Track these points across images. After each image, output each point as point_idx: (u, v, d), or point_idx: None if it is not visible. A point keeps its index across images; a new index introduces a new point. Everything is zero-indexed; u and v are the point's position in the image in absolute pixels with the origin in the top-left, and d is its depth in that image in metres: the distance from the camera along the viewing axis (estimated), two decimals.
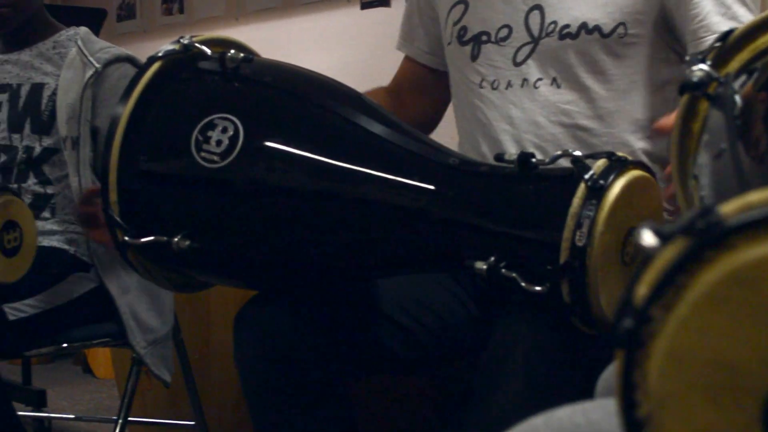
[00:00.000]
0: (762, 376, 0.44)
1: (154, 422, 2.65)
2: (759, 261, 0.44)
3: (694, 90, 0.82)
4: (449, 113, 1.79)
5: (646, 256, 0.46)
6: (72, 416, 3.45)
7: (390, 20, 3.63)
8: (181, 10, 4.85)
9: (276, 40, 1.58)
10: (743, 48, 0.85)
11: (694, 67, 0.82)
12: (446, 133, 1.68)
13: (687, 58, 0.81)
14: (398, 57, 1.85)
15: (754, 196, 0.45)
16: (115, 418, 2.17)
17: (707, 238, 0.45)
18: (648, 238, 0.47)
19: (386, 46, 1.90)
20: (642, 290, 0.46)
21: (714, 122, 0.74)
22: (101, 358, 4.35)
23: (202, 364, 2.48)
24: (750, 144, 0.66)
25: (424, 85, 1.80)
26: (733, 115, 0.68)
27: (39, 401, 3.26)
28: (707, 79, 0.80)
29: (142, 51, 2.18)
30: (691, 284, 0.45)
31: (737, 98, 0.70)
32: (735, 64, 0.85)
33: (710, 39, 1.42)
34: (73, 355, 4.49)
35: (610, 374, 0.90)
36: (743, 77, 0.78)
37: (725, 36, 0.87)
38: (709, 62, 0.83)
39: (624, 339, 0.46)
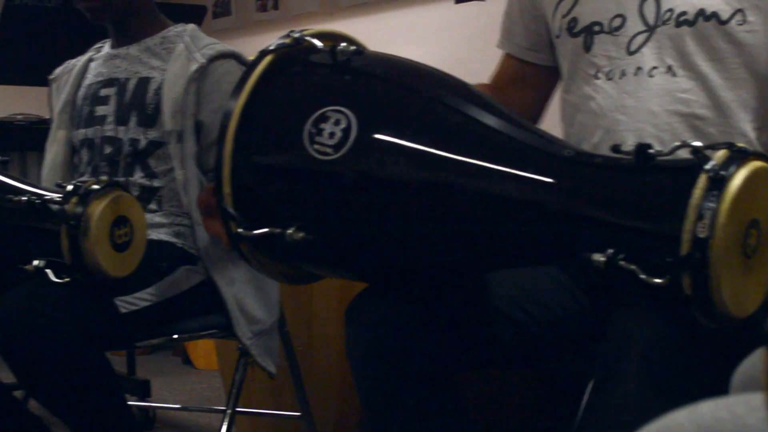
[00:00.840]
0: None
1: (260, 413, 2.68)
2: None
3: None
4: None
5: None
6: (177, 406, 3.50)
7: (484, 14, 3.63)
8: (275, 7, 4.88)
9: (370, 36, 1.59)
10: None
11: None
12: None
13: None
14: (493, 51, 1.84)
15: None
16: (219, 408, 2.20)
17: None
18: None
19: (481, 41, 1.90)
20: None
21: None
22: (200, 349, 4.42)
23: (305, 355, 2.50)
24: None
25: (526, 81, 1.79)
26: None
27: (143, 391, 3.32)
28: None
29: (237, 47, 2.21)
30: None
31: None
32: None
33: None
34: (172, 346, 4.56)
35: (747, 368, 0.89)
36: None
37: None
38: None
39: None
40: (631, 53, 1.56)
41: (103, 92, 2.22)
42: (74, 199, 1.74)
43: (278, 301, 2.22)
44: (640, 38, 1.55)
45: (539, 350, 1.56)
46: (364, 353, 1.43)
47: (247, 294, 2.11)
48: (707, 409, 0.67)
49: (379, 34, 4.00)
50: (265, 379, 2.32)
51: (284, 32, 1.45)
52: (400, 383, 1.41)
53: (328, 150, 1.31)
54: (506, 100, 1.73)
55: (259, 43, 1.46)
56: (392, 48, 1.48)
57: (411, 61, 1.43)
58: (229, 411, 2.14)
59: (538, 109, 1.81)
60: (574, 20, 1.63)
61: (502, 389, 2.23)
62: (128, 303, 1.92)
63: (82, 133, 2.22)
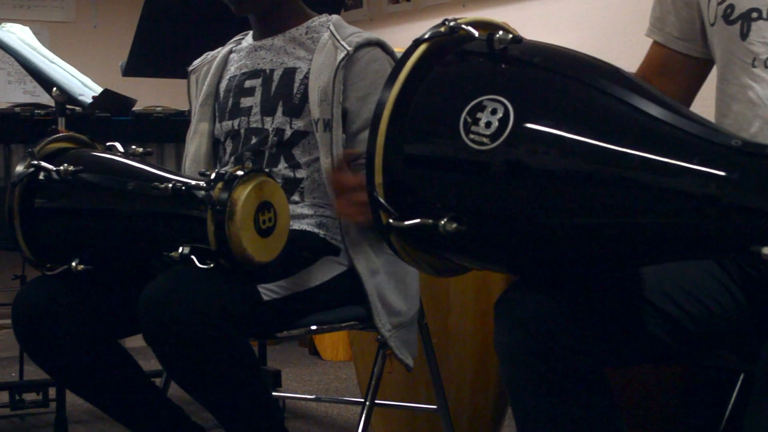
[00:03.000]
0: None
1: (399, 405, 2.68)
2: None
3: None
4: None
5: None
6: (311, 397, 3.52)
7: (620, 3, 3.56)
8: None
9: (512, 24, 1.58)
10: None
11: None
12: None
13: None
14: (630, 40, 1.81)
15: None
16: (356, 400, 2.19)
17: None
18: None
19: (617, 30, 1.85)
20: None
21: None
22: (327, 340, 4.45)
23: (440, 348, 2.49)
24: None
25: (675, 71, 1.76)
26: None
27: (275, 381, 3.35)
28: None
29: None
30: None
31: None
32: None
33: None
34: (299, 337, 4.59)
35: None
36: None
37: None
38: None
39: None
40: None
41: (248, 83, 2.23)
42: (220, 185, 1.76)
43: (418, 293, 2.21)
44: None
45: (692, 346, 1.53)
46: (513, 347, 1.41)
47: (388, 285, 2.10)
48: None
49: (513, 25, 3.96)
50: (400, 372, 2.32)
51: (415, 25, 1.43)
52: (548, 378, 1.39)
53: (485, 140, 1.29)
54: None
55: (390, 35, 1.45)
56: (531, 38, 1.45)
57: (569, 49, 1.41)
58: (367, 403, 2.13)
59: (686, 100, 1.77)
60: (731, 7, 1.58)
61: (649, 384, 2.19)
62: (271, 291, 1.92)
63: (227, 125, 2.24)
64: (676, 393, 2.27)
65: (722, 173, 1.19)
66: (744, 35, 1.56)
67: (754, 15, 1.55)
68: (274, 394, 3.24)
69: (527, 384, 1.42)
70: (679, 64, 1.75)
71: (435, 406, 2.42)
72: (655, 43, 1.78)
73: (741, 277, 1.51)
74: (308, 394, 3.64)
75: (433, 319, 2.47)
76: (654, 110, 1.27)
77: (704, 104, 1.70)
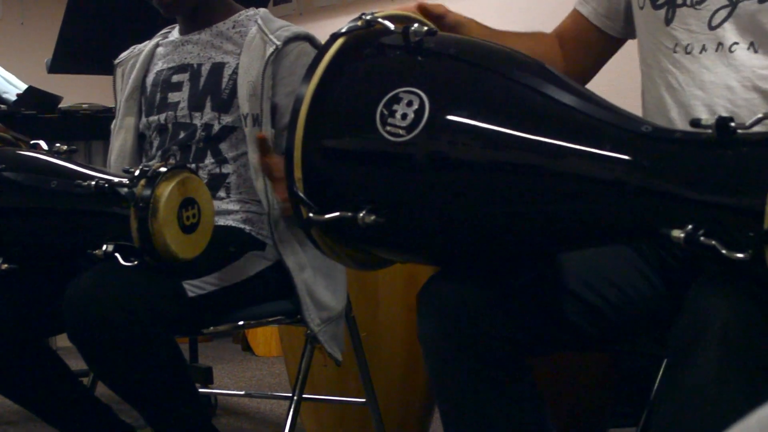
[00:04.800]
0: None
1: (326, 399, 2.68)
2: None
3: None
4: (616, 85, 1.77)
5: None
6: (241, 393, 3.52)
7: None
8: None
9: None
10: None
11: None
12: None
13: None
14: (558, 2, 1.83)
15: None
16: (284, 395, 2.19)
17: None
18: None
19: (551, 16, 1.88)
20: None
21: None
22: (260, 336, 4.44)
23: (370, 342, 2.49)
24: None
25: (589, 44, 1.79)
26: None
27: (206, 378, 3.34)
28: None
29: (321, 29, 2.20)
30: None
31: None
32: None
33: None
34: (233, 333, 4.58)
35: None
36: None
37: None
38: None
39: None
40: (712, 28, 1.54)
41: (176, 78, 2.22)
42: (143, 182, 1.75)
43: (346, 287, 2.22)
44: (723, 13, 1.53)
45: (612, 333, 1.55)
46: (436, 337, 1.43)
47: (316, 280, 2.11)
48: None
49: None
50: (329, 366, 2.32)
51: (345, 19, 1.44)
52: (472, 367, 1.41)
53: (401, 131, 1.30)
54: (564, 53, 1.76)
55: (320, 29, 1.46)
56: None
57: (483, 40, 1.42)
58: (294, 398, 2.14)
59: (591, 72, 1.81)
60: None
61: (576, 372, 2.21)
62: (196, 287, 1.92)
63: (153, 119, 2.23)
64: (604, 381, 2.30)
65: (629, 158, 1.21)
66: (668, 21, 1.59)
67: (679, 2, 1.58)
68: (204, 390, 3.24)
69: (450, 373, 1.43)
70: (595, 39, 1.78)
71: (364, 400, 2.43)
72: (577, 12, 1.80)
73: (659, 263, 1.53)
74: (239, 390, 3.63)
75: (362, 312, 2.48)
76: (567, 99, 1.29)
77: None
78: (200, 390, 3.20)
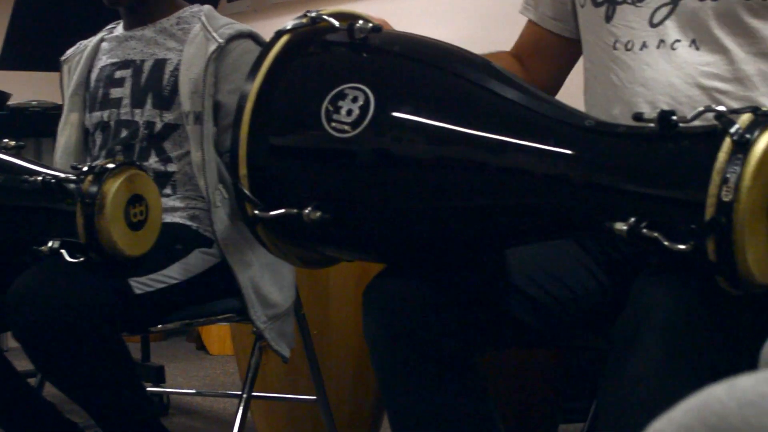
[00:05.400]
0: None
1: (275, 397, 2.67)
2: None
3: None
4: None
5: None
6: (192, 391, 3.50)
7: None
8: None
9: (386, 18, 1.57)
10: None
11: None
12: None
13: None
14: (513, 25, 1.83)
15: None
16: (234, 393, 2.19)
17: None
18: None
19: (501, 16, 1.88)
20: None
21: None
22: (215, 335, 4.42)
23: (321, 339, 2.49)
24: None
25: (547, 51, 1.78)
26: None
27: (158, 377, 3.32)
28: None
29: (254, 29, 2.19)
30: None
31: None
32: None
33: None
34: (186, 332, 4.56)
35: None
36: None
37: None
38: None
39: None
40: (653, 25, 1.54)
41: (118, 74, 2.21)
42: (89, 178, 1.74)
43: (294, 284, 2.21)
44: (664, 11, 1.54)
45: (557, 328, 1.55)
46: (382, 334, 1.42)
47: (262, 277, 2.10)
48: (748, 383, 0.65)
49: (397, 16, 3.97)
50: (280, 364, 2.32)
51: (300, 14, 1.44)
52: (417, 364, 1.40)
53: (346, 128, 1.30)
54: (526, 70, 1.74)
55: (273, 26, 1.45)
56: (408, 29, 1.46)
57: (428, 38, 1.42)
58: (244, 396, 2.13)
59: (557, 80, 1.80)
60: None
61: (525, 369, 2.22)
62: (143, 284, 1.91)
63: (96, 116, 2.21)
64: (553, 377, 2.31)
65: (573, 152, 1.22)
66: (608, 18, 1.59)
67: None
68: (155, 389, 3.22)
69: (396, 371, 1.43)
70: (552, 44, 1.77)
71: (315, 398, 2.42)
72: (529, 21, 1.80)
73: (604, 258, 1.54)
74: (192, 389, 3.62)
75: (312, 310, 2.47)
76: (511, 94, 1.30)
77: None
78: (151, 389, 3.20)
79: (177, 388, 3.63)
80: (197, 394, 3.49)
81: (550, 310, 1.50)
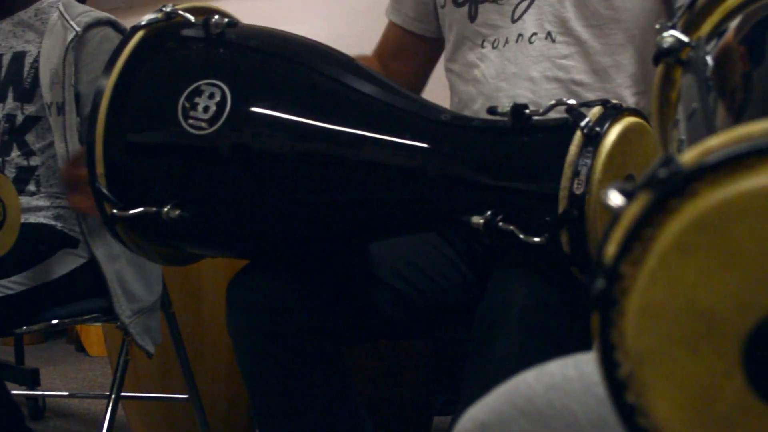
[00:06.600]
0: (737, 320, 0.43)
1: (146, 397, 2.64)
2: (721, 204, 0.43)
3: (667, 56, 0.81)
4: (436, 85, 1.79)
5: (614, 215, 0.45)
6: (65, 393, 3.44)
7: None
8: None
9: (257, 16, 1.56)
10: (714, 11, 0.84)
11: (664, 34, 0.80)
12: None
13: (657, 26, 0.80)
14: (378, 29, 1.84)
15: (713, 141, 0.43)
16: (102, 393, 2.16)
17: (669, 188, 0.43)
18: (614, 198, 0.46)
19: (376, 14, 1.88)
20: (611, 249, 0.45)
21: (686, 85, 0.73)
22: (94, 336, 4.35)
23: (194, 336, 2.47)
24: (726, 96, 0.64)
25: (409, 52, 1.78)
26: (705, 75, 0.67)
27: (32, 380, 3.25)
28: (678, 45, 0.78)
29: (127, 25, 2.15)
30: (658, 236, 0.44)
31: (709, 59, 0.69)
32: (706, 27, 0.83)
33: None
34: (66, 334, 4.48)
35: None
36: (715, 40, 0.77)
37: (694, 0, 0.85)
38: (679, 28, 0.82)
39: (597, 300, 0.45)
40: (514, 21, 1.56)
41: None
42: None
43: (161, 279, 2.19)
44: (523, 5, 1.55)
45: (423, 320, 1.56)
46: (245, 330, 1.42)
47: (128, 271, 2.07)
48: (555, 367, 0.67)
49: (267, 14, 3.96)
50: (154, 363, 2.29)
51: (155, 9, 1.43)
52: (280, 359, 1.40)
53: (203, 124, 1.29)
54: (389, 71, 1.74)
55: None
56: (283, 26, 1.46)
57: (285, 32, 1.42)
58: (113, 396, 2.10)
59: (420, 80, 1.81)
60: None
61: (398, 362, 2.23)
62: (5, 287, 1.87)
63: None
64: (427, 370, 2.33)
65: (427, 145, 1.23)
66: (472, 18, 1.60)
67: None
68: (29, 393, 3.15)
69: (261, 366, 1.43)
70: (414, 45, 1.77)
71: (186, 396, 2.40)
72: (391, 23, 1.80)
73: (467, 251, 1.55)
74: (68, 391, 3.56)
75: (184, 307, 2.44)
76: (368, 89, 1.30)
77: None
78: (25, 392, 3.13)
79: (54, 390, 3.57)
80: (70, 396, 3.43)
81: (415, 302, 1.51)
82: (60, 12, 2.10)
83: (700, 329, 0.44)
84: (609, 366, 0.46)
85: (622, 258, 0.45)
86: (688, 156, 0.44)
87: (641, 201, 0.44)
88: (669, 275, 0.44)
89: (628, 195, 0.45)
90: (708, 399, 0.44)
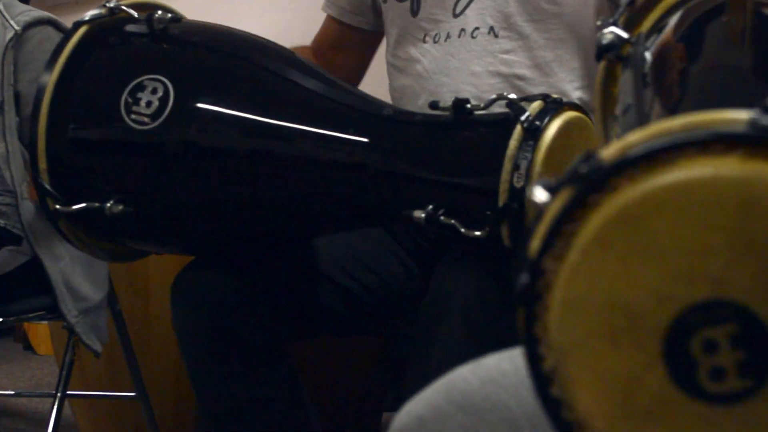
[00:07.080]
0: (657, 314, 0.44)
1: (93, 395, 2.62)
2: (639, 199, 0.43)
3: (607, 53, 0.82)
4: (378, 79, 1.79)
5: (539, 211, 0.46)
6: (11, 392, 3.41)
7: None
8: None
9: (210, 11, 1.56)
10: (654, 6, 0.85)
11: (605, 31, 0.81)
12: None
13: (598, 22, 0.80)
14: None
15: (633, 137, 0.44)
16: (48, 392, 2.14)
17: (589, 183, 0.44)
18: (539, 193, 0.46)
19: (316, 9, 1.88)
20: (534, 244, 0.46)
21: (624, 81, 0.74)
22: (42, 334, 4.31)
23: (141, 334, 2.45)
24: (663, 93, 0.65)
25: (347, 45, 1.78)
26: (642, 71, 0.67)
27: None
28: (618, 41, 0.79)
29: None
30: (579, 231, 0.44)
31: (647, 55, 0.69)
32: (647, 23, 0.84)
33: None
34: (13, 332, 4.44)
35: None
36: (654, 36, 0.78)
37: None
38: (620, 24, 0.83)
39: (522, 295, 0.46)
40: (456, 16, 1.56)
41: None
42: None
43: (107, 276, 2.17)
44: (465, 0, 1.56)
45: (368, 316, 1.57)
46: (190, 326, 1.42)
47: (74, 270, 2.05)
48: (492, 361, 0.68)
49: (212, 9, 3.93)
50: (102, 361, 2.27)
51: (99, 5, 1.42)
52: (225, 355, 1.41)
53: (146, 119, 1.28)
54: (327, 64, 1.74)
55: None
56: (230, 21, 1.46)
57: (228, 27, 1.42)
58: (58, 394, 2.08)
59: (358, 73, 1.81)
60: None
61: (348, 358, 2.23)
62: None
63: None
64: (377, 365, 2.34)
65: (367, 140, 1.23)
66: (414, 12, 1.60)
67: None
68: None
69: (206, 364, 1.43)
70: (352, 38, 1.77)
71: (134, 394, 2.38)
72: (328, 17, 1.79)
73: (413, 246, 1.55)
74: (15, 390, 3.52)
75: (131, 304, 2.42)
76: (310, 84, 1.31)
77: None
78: None
79: (1, 389, 3.53)
80: (17, 395, 3.40)
81: (360, 298, 1.51)
82: (0, 11, 2.07)
83: (620, 322, 0.44)
84: (534, 360, 0.46)
85: (545, 253, 0.45)
86: (609, 151, 0.44)
87: (563, 197, 0.45)
88: (590, 270, 0.44)
89: (552, 191, 0.46)
90: (630, 391, 0.45)
